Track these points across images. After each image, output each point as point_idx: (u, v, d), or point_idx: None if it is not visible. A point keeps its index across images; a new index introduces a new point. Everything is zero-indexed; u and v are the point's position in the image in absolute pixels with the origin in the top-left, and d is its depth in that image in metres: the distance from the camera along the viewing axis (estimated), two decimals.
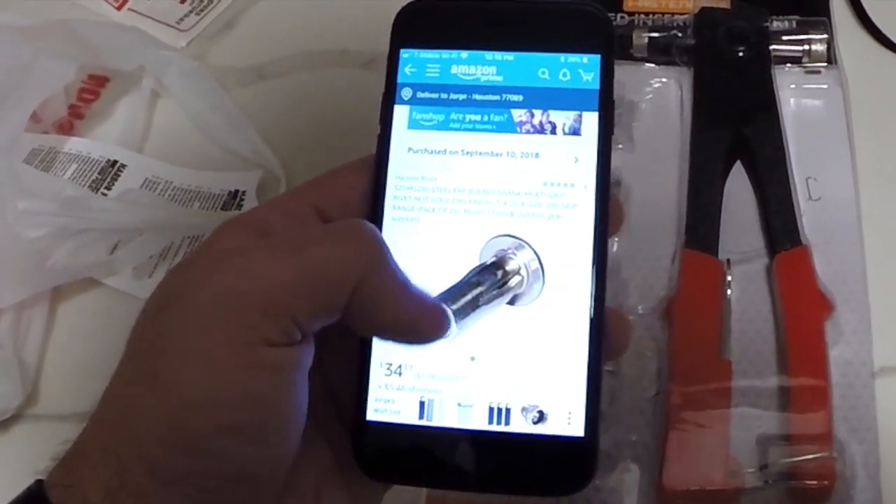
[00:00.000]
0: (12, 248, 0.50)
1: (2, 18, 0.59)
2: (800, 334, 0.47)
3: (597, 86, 0.34)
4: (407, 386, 0.33)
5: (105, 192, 0.57)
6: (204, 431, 0.28)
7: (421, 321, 0.31)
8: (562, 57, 0.34)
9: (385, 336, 0.32)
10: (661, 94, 0.55)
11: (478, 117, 0.34)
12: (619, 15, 0.59)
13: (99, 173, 0.58)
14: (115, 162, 0.59)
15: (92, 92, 0.62)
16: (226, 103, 0.59)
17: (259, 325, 0.28)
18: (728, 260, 0.49)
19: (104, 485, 0.28)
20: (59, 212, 0.51)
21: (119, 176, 0.58)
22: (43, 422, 0.51)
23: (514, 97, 0.34)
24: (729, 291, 0.48)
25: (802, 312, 0.47)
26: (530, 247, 0.33)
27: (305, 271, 0.29)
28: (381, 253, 0.30)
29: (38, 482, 0.29)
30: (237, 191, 0.57)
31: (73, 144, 0.60)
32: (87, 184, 0.57)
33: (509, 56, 0.34)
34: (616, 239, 0.50)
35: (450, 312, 0.31)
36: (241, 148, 0.58)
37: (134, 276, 0.54)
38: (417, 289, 0.31)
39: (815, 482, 0.43)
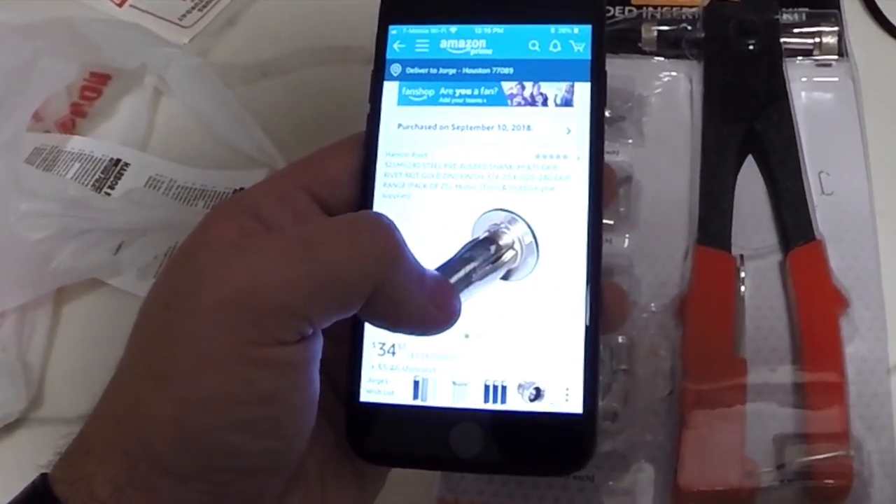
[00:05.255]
0: (15, 250, 0.50)
1: (2, 17, 0.58)
2: (815, 331, 0.46)
3: (588, 56, 0.33)
4: (400, 366, 0.32)
5: (108, 191, 0.57)
6: (214, 428, 0.28)
7: (437, 318, 0.31)
8: (552, 28, 0.34)
9: (397, 331, 0.31)
10: (670, 88, 0.55)
11: (468, 91, 0.34)
12: (626, 8, 0.58)
13: (102, 172, 0.57)
14: (119, 161, 0.58)
15: (94, 90, 0.61)
16: (229, 101, 0.59)
17: (271, 326, 0.28)
18: (741, 256, 0.48)
19: (112, 480, 0.27)
20: (61, 212, 0.51)
21: (122, 175, 0.58)
22: (47, 425, 0.50)
23: (505, 70, 0.34)
24: (742, 288, 0.47)
25: (817, 309, 0.47)
26: (523, 220, 0.32)
27: (319, 274, 0.28)
28: (397, 251, 0.29)
29: (43, 476, 0.29)
30: (242, 189, 0.56)
31: (76, 143, 0.59)
32: (91, 183, 0.57)
33: (499, 29, 0.34)
34: (627, 236, 0.50)
35: (460, 301, 0.31)
36: (246, 146, 0.58)
37: (139, 276, 0.53)
38: (432, 279, 0.31)
39: (832, 481, 0.42)
